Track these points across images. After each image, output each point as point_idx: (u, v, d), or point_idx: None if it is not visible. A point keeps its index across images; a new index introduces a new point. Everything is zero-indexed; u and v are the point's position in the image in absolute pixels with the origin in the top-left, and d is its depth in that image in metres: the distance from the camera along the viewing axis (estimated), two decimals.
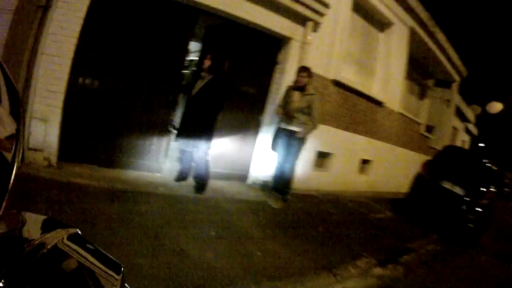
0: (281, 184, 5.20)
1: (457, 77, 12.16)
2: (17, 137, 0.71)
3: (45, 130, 4.04)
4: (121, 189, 4.07)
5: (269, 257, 3.39)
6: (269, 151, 5.31)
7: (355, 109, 6.93)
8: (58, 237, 0.82)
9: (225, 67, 4.87)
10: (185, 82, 4.98)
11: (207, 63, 4.53)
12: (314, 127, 4.97)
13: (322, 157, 6.63)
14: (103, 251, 0.93)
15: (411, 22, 8.51)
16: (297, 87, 4.91)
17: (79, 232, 0.95)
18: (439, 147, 11.56)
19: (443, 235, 6.25)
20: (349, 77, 6.72)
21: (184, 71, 5.11)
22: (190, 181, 4.89)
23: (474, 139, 20.25)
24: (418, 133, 10.15)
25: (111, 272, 0.86)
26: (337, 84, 6.31)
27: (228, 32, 5.33)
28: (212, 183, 5.14)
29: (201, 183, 4.77)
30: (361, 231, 5.15)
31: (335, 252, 3.98)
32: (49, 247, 0.75)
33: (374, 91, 7.41)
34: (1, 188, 0.62)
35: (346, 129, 6.77)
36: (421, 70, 10.84)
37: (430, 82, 11.84)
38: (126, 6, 4.39)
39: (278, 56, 5.65)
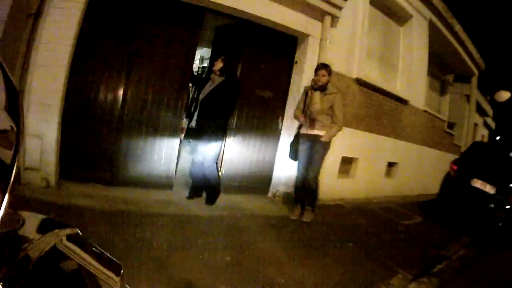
0: (305, 196, 4.60)
1: (475, 70, 11.40)
2: (17, 135, 0.67)
3: (41, 148, 3.56)
4: (126, 210, 3.58)
5: (294, 285, 2.82)
6: (288, 159, 4.72)
7: (380, 109, 6.29)
8: (57, 237, 0.80)
9: (236, 69, 4.32)
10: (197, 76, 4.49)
11: (218, 65, 4.04)
12: (338, 129, 4.35)
13: (346, 163, 6.00)
14: (103, 252, 0.90)
15: (429, 15, 7.87)
16: (318, 87, 4.32)
17: (79, 232, 0.94)
18: (462, 144, 10.92)
19: (474, 237, 5.66)
20: (372, 75, 6.10)
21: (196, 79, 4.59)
22: (205, 196, 4.39)
23: (492, 133, 19.30)
24: (442, 131, 9.43)
25: (110, 274, 0.83)
26: (361, 83, 5.69)
27: (240, 32, 4.78)
28: (228, 198, 4.62)
29: (211, 194, 4.32)
30: (393, 242, 4.57)
31: (368, 270, 3.43)
32: (47, 248, 0.72)
33: (398, 89, 6.75)
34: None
35: (372, 131, 6.12)
36: (440, 65, 10.13)
37: (450, 77, 11.12)
38: (125, 9, 3.89)
39: (295, 55, 5.06)
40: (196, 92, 4.26)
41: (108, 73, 3.92)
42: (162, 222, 3.50)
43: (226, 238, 3.49)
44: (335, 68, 4.80)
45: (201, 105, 4.08)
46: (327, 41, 4.95)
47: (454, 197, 6.39)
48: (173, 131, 4.32)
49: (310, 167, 4.37)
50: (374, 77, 6.13)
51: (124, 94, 4.02)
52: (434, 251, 4.56)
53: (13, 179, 0.61)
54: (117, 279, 0.83)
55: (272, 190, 5.11)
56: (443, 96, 10.96)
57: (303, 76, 4.86)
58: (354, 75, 5.56)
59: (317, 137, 4.28)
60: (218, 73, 4.05)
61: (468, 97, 12.47)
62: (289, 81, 5.06)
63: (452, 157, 10.29)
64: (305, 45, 4.93)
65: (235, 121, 4.66)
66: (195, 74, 4.55)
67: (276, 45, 4.92)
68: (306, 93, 4.38)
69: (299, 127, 4.45)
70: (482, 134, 16.78)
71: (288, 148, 4.54)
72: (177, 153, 4.45)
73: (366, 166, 6.25)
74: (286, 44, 5.00)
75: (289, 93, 5.05)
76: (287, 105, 5.05)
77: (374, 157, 6.42)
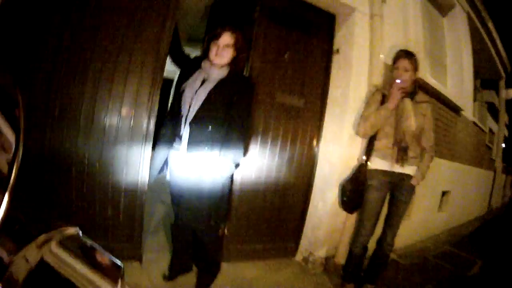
0: (371, 267, 2.75)
1: (502, 73, 9.68)
2: (17, 134, 0.60)
3: None
4: None
5: None
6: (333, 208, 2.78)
7: (436, 121, 4.38)
8: (48, 242, 0.66)
9: (241, 61, 2.28)
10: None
11: (224, 41, 2.11)
12: (431, 161, 2.56)
13: None
14: (103, 252, 0.78)
15: (467, 7, 6.13)
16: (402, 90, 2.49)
17: (78, 231, 0.81)
18: (498, 158, 9.13)
19: None
20: (427, 74, 4.18)
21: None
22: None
23: (506, 142, 17.42)
24: (484, 145, 7.56)
25: (105, 285, 0.69)
26: (421, 86, 3.73)
27: (247, 7, 2.86)
28: (234, 273, 2.68)
29: (207, 271, 2.43)
30: None
31: None
32: (36, 260, 0.59)
33: (450, 95, 4.85)
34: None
35: None
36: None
37: (477, 83, 9.34)
38: None
39: (334, 41, 3.11)
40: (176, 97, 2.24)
41: (38, 91, 2.03)
42: None
43: None
44: (387, 60, 2.98)
45: (193, 124, 2.09)
46: (380, 17, 3.05)
47: None
48: (139, 172, 2.36)
49: (389, 225, 2.61)
50: (429, 78, 4.22)
51: (65, 122, 2.12)
52: None
53: (14, 179, 0.54)
54: None
55: (303, 251, 3.08)
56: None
57: (350, 72, 2.89)
58: None
59: (405, 177, 2.48)
60: (220, 65, 2.13)
61: (489, 104, 10.81)
62: (327, 81, 3.08)
63: (490, 174, 8.51)
64: (350, 24, 2.99)
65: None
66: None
67: (304, 27, 2.98)
68: (383, 99, 2.50)
69: (367, 158, 2.53)
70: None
71: (340, 192, 2.63)
72: (143, 202, 2.47)
73: (419, 201, 4.29)
74: (319, 25, 3.07)
75: (328, 99, 3.05)
76: (325, 118, 3.06)
77: (429, 188, 4.47)
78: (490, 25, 7.79)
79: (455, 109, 5.00)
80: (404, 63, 2.46)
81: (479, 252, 5.01)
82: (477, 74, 9.10)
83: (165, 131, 2.22)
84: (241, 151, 2.11)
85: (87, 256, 0.75)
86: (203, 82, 2.11)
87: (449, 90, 4.97)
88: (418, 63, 2.54)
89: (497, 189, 9.42)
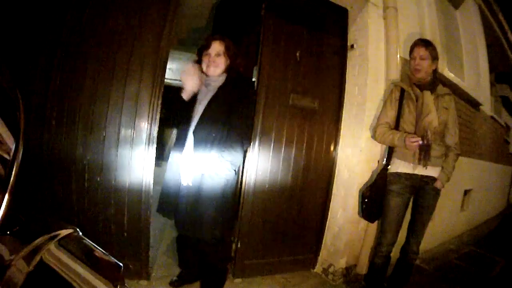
0: (394, 275, 2.49)
1: None
2: (18, 134, 0.58)
3: None
4: None
5: None
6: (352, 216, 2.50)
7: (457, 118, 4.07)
8: (47, 243, 0.63)
9: (239, 67, 2.09)
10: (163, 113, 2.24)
11: (215, 49, 1.99)
12: (456, 160, 2.29)
13: None
14: (102, 251, 0.76)
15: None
16: (423, 82, 2.25)
17: (77, 231, 0.77)
18: None
19: None
20: (444, 67, 3.87)
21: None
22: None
23: None
24: (502, 139, 7.14)
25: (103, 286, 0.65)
26: (442, 81, 3.45)
27: (254, 6, 2.62)
28: None
29: (210, 285, 2.19)
30: None
31: None
32: (35, 261, 0.56)
33: (468, 89, 4.51)
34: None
35: None
36: None
37: (492, 77, 8.93)
38: None
39: (348, 36, 2.82)
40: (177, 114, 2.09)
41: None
42: None
43: None
44: (404, 54, 2.70)
45: (196, 133, 1.94)
46: (394, 9, 2.77)
47: None
48: (142, 183, 2.13)
49: (414, 233, 2.34)
50: (447, 72, 3.91)
51: (56, 130, 1.91)
52: None
53: (14, 179, 0.52)
54: None
55: (322, 262, 2.81)
56: None
57: (367, 68, 2.61)
58: None
59: (429, 180, 2.21)
60: (215, 70, 1.99)
61: (503, 98, 10.31)
62: (342, 79, 2.80)
63: (508, 169, 8.05)
64: (364, 18, 2.71)
65: (257, 151, 2.45)
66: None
67: (316, 23, 2.71)
68: (401, 96, 2.23)
69: (388, 162, 2.26)
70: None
71: (360, 199, 2.36)
72: (148, 216, 2.22)
73: (442, 202, 3.92)
74: (331, 20, 2.80)
75: (345, 98, 2.77)
76: (343, 119, 2.77)
77: (451, 188, 4.15)
78: (501, 17, 7.43)
79: (474, 104, 4.68)
80: (420, 51, 2.22)
81: (501, 250, 4.73)
82: (490, 68, 8.75)
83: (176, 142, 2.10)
84: (239, 155, 1.96)
85: (87, 257, 0.71)
86: (205, 93, 2.03)
87: (467, 84, 4.63)
88: (437, 52, 2.27)
89: None
